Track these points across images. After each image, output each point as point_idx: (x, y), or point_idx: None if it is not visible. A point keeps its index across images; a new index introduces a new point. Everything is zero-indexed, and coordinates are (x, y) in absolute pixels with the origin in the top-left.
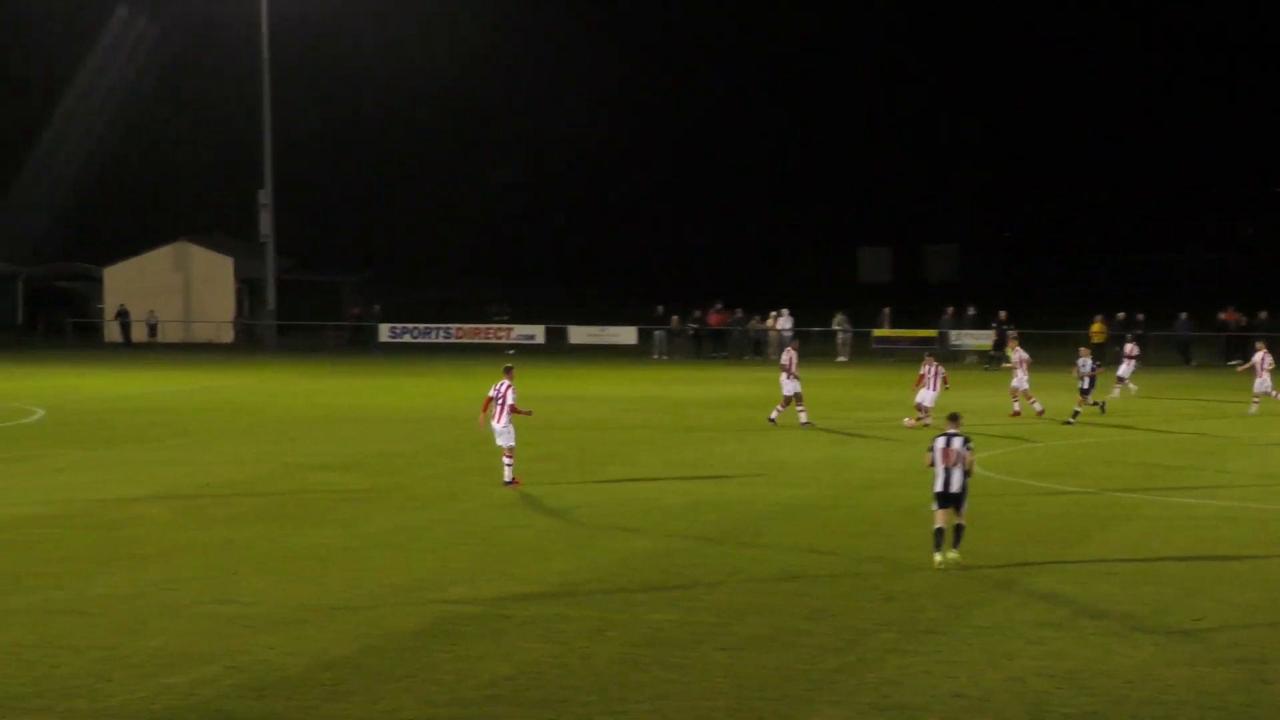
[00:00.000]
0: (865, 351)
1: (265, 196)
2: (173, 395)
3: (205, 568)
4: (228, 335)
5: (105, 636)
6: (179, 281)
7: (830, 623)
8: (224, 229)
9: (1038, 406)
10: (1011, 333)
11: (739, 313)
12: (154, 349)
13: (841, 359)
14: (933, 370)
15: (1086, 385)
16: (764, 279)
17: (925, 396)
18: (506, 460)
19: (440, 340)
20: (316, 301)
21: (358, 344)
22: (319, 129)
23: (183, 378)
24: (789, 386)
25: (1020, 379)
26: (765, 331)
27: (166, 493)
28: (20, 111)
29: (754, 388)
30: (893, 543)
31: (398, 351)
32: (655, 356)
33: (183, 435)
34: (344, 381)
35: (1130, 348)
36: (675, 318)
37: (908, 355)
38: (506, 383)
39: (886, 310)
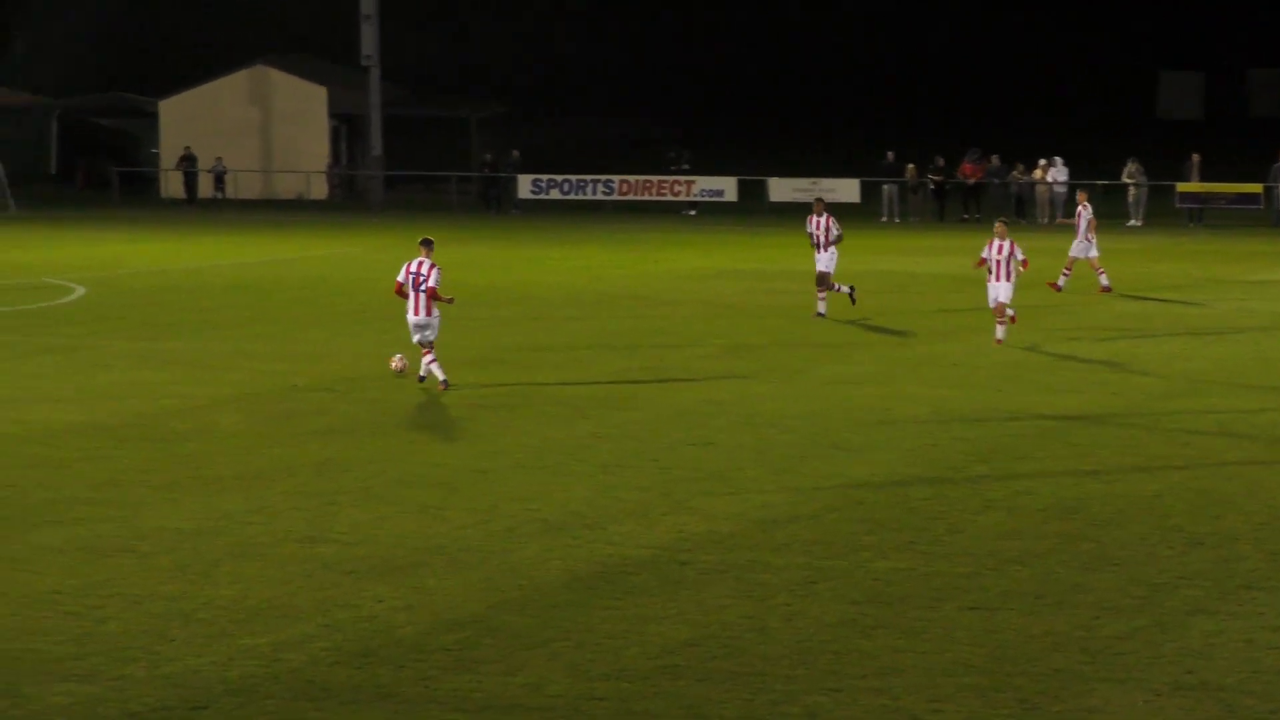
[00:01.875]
0: (1165, 212)
1: (368, 5)
2: (249, 268)
3: (293, 495)
4: (320, 189)
5: (165, 583)
6: (256, 118)
7: (1115, 575)
8: (314, 49)
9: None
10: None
11: (994, 160)
12: (224, 207)
13: (1133, 223)
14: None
15: None
16: (1029, 116)
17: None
18: (428, 358)
19: (597, 196)
20: (437, 144)
21: (490, 200)
22: None
23: (262, 245)
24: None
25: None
26: (1031, 185)
27: (242, 396)
28: None
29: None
30: (1199, 469)
31: (541, 210)
32: (884, 219)
33: (262, 321)
34: (471, 250)
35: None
36: (911, 167)
37: (1224, 218)
38: (425, 260)
39: (1196, 158)
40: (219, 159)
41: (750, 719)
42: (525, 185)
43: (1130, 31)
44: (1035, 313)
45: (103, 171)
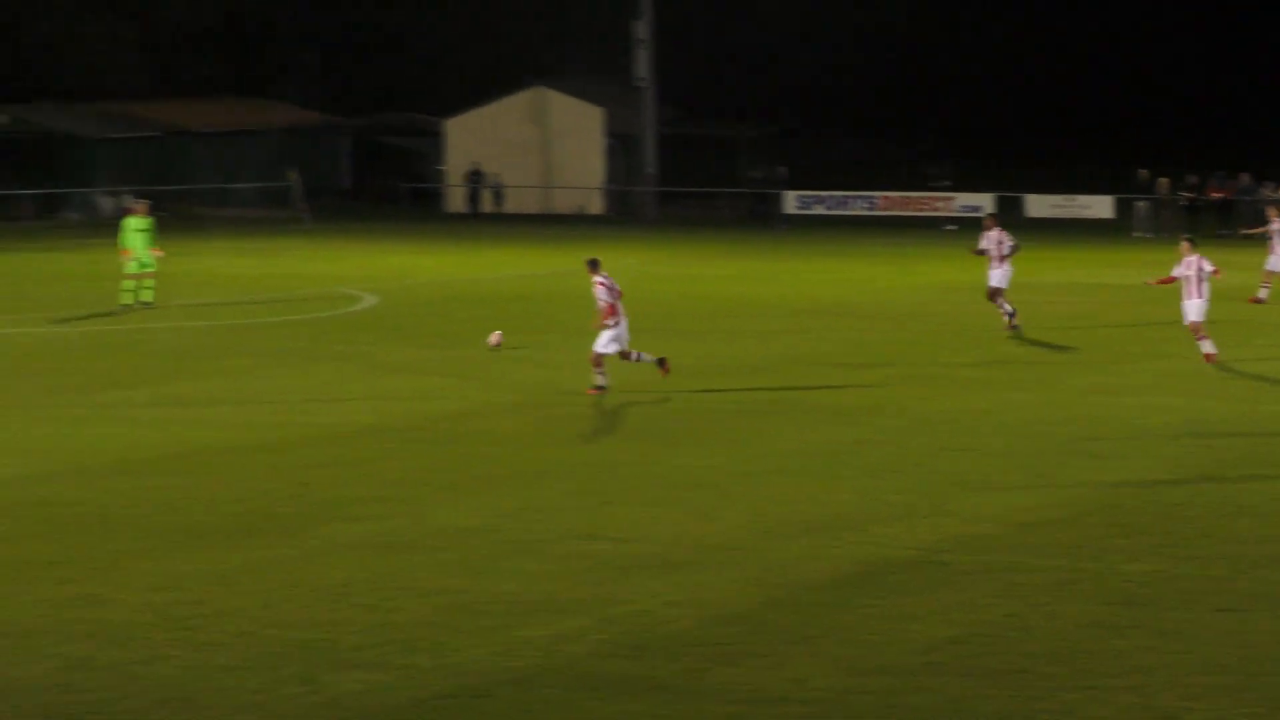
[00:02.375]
0: None
1: (643, 30)
2: (529, 279)
3: (570, 494)
4: (596, 204)
5: (451, 578)
6: (535, 136)
7: None
8: (592, 71)
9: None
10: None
11: (1246, 178)
12: (504, 221)
13: None
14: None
15: None
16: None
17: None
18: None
19: (860, 212)
20: (707, 162)
21: (758, 216)
22: None
23: (541, 258)
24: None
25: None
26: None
27: (524, 401)
28: None
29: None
30: None
31: (807, 225)
32: (1136, 234)
33: (542, 330)
34: (740, 264)
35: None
36: (1163, 183)
37: None
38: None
39: None
40: (497, 175)
41: (1011, 715)
42: (791, 201)
43: None
44: None
45: (392, 187)
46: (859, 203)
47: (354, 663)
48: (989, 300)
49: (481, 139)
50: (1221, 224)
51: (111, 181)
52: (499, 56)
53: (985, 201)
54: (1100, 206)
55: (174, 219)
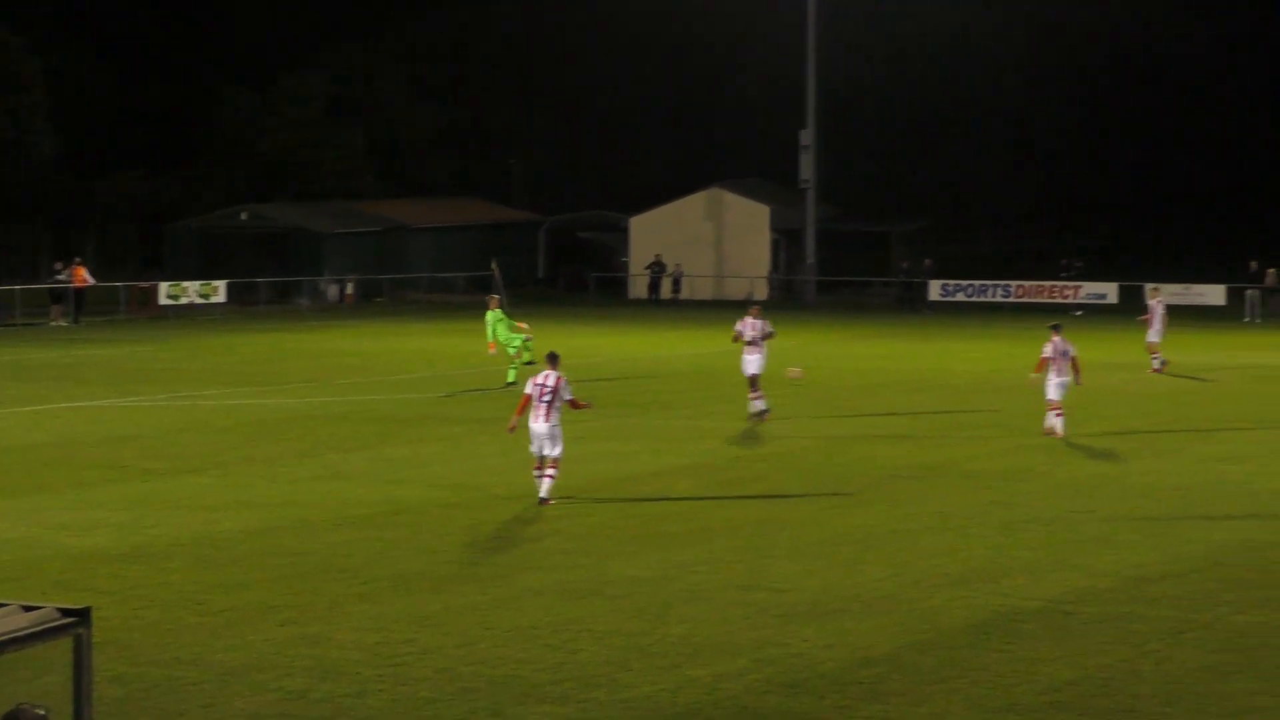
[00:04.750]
0: None
1: (807, 138)
2: (703, 357)
3: (735, 549)
4: (762, 291)
5: (627, 622)
6: (710, 231)
7: None
8: (762, 174)
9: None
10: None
11: None
12: (681, 305)
13: None
14: None
15: None
16: None
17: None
18: (550, 473)
19: (997, 299)
20: (862, 254)
21: (906, 302)
22: (872, 64)
23: (714, 338)
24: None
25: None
26: None
27: (696, 464)
28: (541, 49)
29: None
30: None
31: (949, 311)
32: (1247, 319)
33: (715, 401)
34: (890, 344)
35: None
36: (1271, 272)
37: None
38: (552, 373)
39: None
40: (677, 265)
41: None
42: (936, 289)
43: None
44: None
45: (581, 276)
46: (997, 290)
47: (539, 697)
48: (750, 388)
49: (663, 234)
50: None
51: (336, 271)
52: (681, 162)
53: (1109, 290)
54: (1214, 294)
55: (391, 303)
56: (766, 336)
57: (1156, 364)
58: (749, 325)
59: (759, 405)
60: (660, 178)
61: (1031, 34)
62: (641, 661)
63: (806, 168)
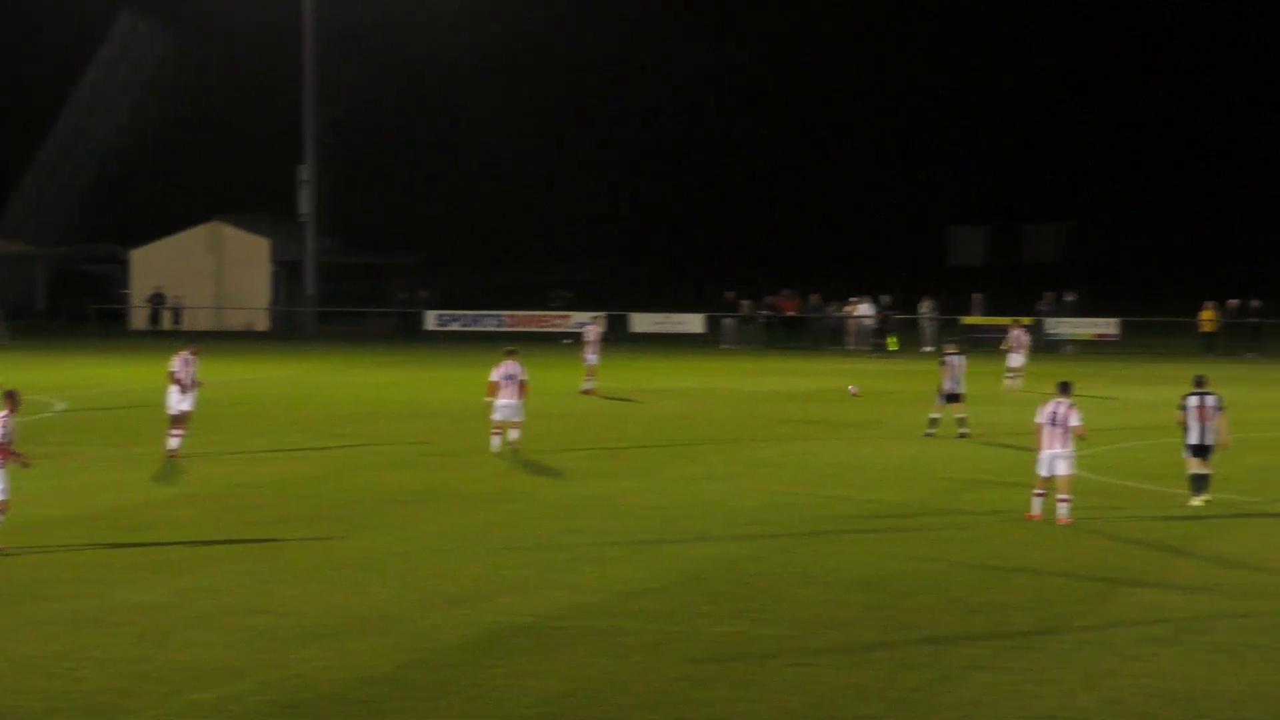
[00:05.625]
0: (954, 341)
1: (306, 173)
2: (203, 388)
3: (238, 574)
4: (263, 322)
5: (130, 648)
6: (211, 264)
7: (911, 636)
8: (266, 209)
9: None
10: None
11: (815, 299)
12: (183, 337)
13: (927, 349)
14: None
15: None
16: (844, 263)
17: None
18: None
19: (491, 329)
20: (361, 286)
21: (403, 332)
22: (370, 100)
23: (214, 369)
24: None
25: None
26: (843, 319)
27: (198, 493)
28: (44, 86)
29: (831, 380)
30: (983, 550)
31: (446, 340)
32: (724, 346)
33: (215, 431)
34: (389, 373)
35: (1018, 334)
36: (746, 304)
37: (1000, 345)
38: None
39: (978, 296)
40: (178, 296)
41: None
42: (432, 318)
43: (926, 192)
44: (829, 426)
45: (82, 308)
46: (490, 320)
47: None
48: (175, 424)
49: (165, 266)
50: (790, 338)
51: None
52: (186, 195)
53: (598, 319)
54: (693, 323)
55: None
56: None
57: (588, 384)
58: (182, 361)
59: (174, 444)
60: (164, 211)
61: (518, 79)
62: (144, 687)
63: (306, 202)
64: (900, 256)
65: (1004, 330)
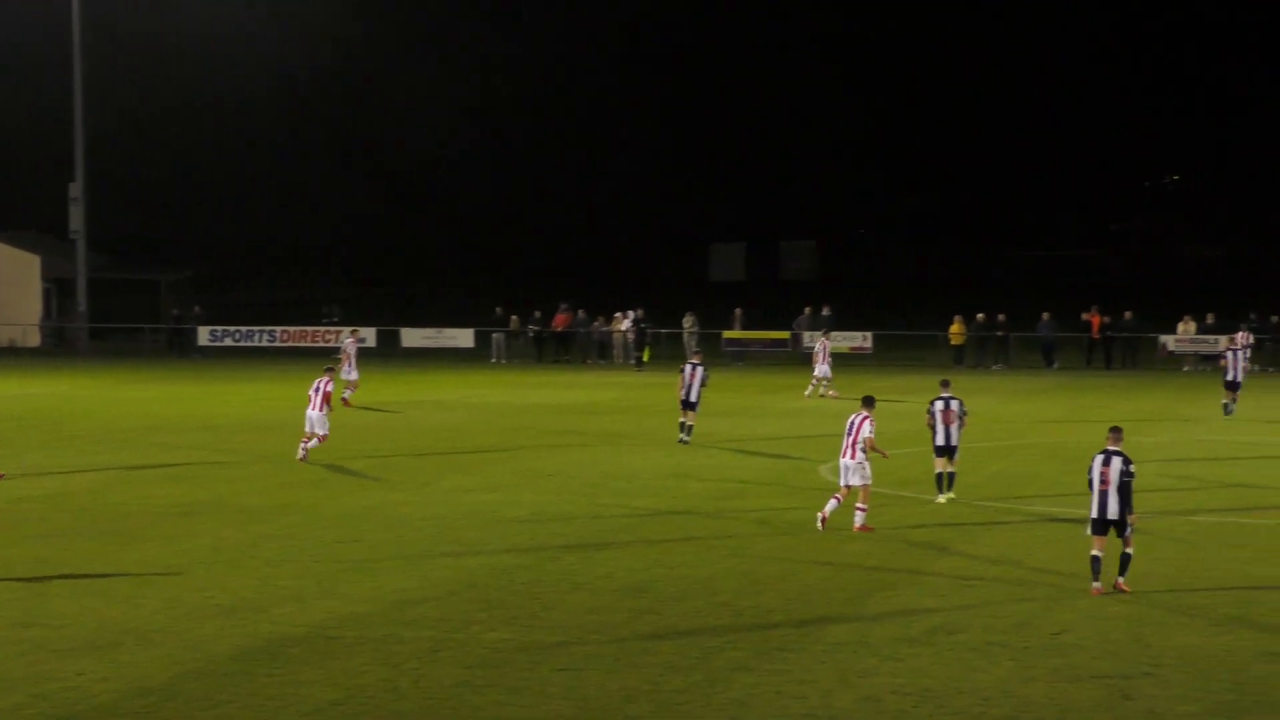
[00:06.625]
0: (715, 354)
1: (76, 190)
2: None
3: (12, 588)
4: (34, 339)
5: None
6: None
7: (676, 641)
8: (37, 226)
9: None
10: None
11: (581, 313)
12: None
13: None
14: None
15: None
16: (611, 279)
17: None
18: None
19: (264, 344)
20: (133, 302)
21: (176, 348)
22: (141, 118)
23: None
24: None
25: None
26: (609, 334)
27: None
28: None
29: (599, 392)
30: (744, 556)
31: (219, 356)
32: (494, 360)
33: None
34: (162, 388)
35: (823, 343)
36: (514, 319)
37: (760, 358)
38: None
39: (738, 311)
40: None
41: None
42: (205, 334)
43: (688, 211)
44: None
45: None
46: (263, 335)
47: None
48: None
49: None
50: (558, 351)
51: None
52: None
53: (368, 334)
54: (463, 337)
55: None
56: None
57: (347, 394)
58: None
59: None
60: None
61: (292, 99)
62: None
63: (76, 219)
64: (665, 272)
65: (769, 344)
